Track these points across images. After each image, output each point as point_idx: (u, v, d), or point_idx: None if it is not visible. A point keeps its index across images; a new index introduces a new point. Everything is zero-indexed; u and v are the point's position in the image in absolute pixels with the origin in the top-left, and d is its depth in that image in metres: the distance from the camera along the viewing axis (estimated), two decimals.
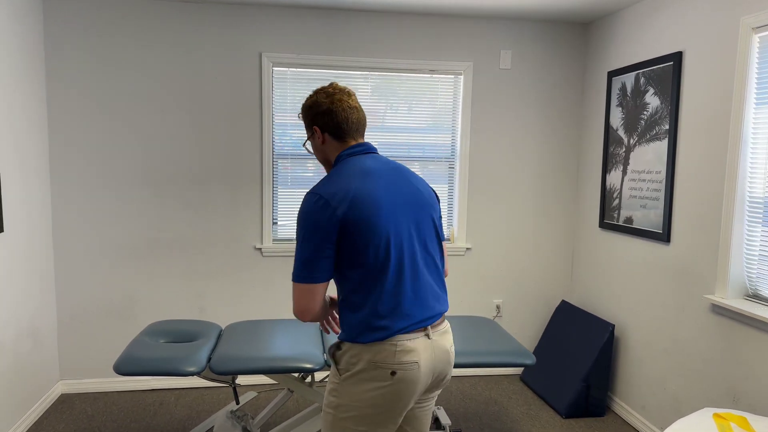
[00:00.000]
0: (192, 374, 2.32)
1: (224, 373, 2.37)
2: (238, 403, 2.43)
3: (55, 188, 3.50)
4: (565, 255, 4.07)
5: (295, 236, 1.77)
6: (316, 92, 1.80)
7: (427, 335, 1.70)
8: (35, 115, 3.30)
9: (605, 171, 3.63)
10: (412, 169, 3.87)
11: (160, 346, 2.51)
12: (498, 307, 4.01)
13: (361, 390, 1.65)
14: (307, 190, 1.75)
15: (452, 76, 3.84)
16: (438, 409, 3.20)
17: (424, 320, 1.70)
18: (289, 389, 2.86)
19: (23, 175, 3.16)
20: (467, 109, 3.83)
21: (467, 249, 3.95)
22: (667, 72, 3.03)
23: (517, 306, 4.04)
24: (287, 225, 3.81)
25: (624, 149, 3.43)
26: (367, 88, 3.77)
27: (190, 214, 3.66)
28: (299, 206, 1.68)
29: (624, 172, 3.43)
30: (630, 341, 3.38)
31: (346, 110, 1.77)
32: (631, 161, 3.36)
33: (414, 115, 3.83)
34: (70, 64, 3.44)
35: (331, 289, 3.84)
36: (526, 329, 4.09)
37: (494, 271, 4.00)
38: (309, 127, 1.81)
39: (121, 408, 3.44)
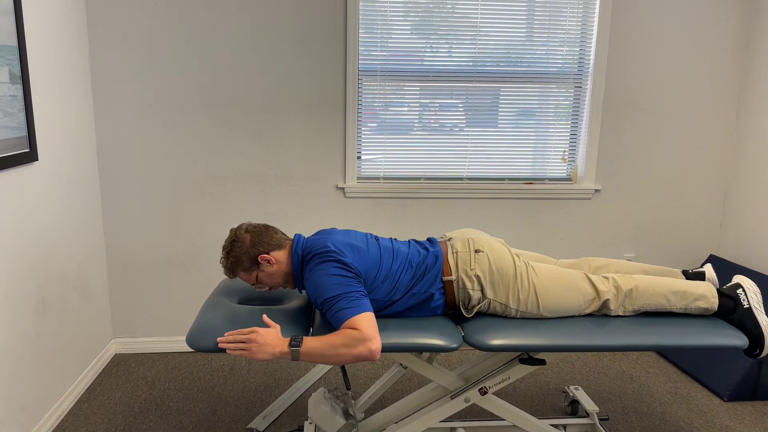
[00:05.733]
0: None
1: None
2: (349, 387, 1.83)
3: (99, 111, 2.87)
4: (714, 197, 3.28)
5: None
6: (231, 241, 1.92)
7: None
8: (73, 18, 2.64)
9: None
10: (521, 92, 3.10)
11: (242, 311, 1.90)
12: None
13: (504, 276, 1.90)
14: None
15: None
16: (577, 389, 2.56)
17: None
18: (401, 365, 2.25)
19: (61, 93, 2.53)
20: (606, 7, 2.99)
21: (595, 191, 3.20)
22: None
23: (652, 262, 3.31)
24: (374, 160, 3.12)
25: None
26: None
27: (261, 146, 3.00)
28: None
29: None
30: None
31: (259, 224, 1.97)
32: None
33: (525, 15, 3.02)
34: None
35: None
36: None
37: (626, 218, 3.26)
38: (254, 266, 1.91)
39: (184, 373, 2.91)
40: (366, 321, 1.67)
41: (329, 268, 1.78)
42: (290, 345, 1.66)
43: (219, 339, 1.68)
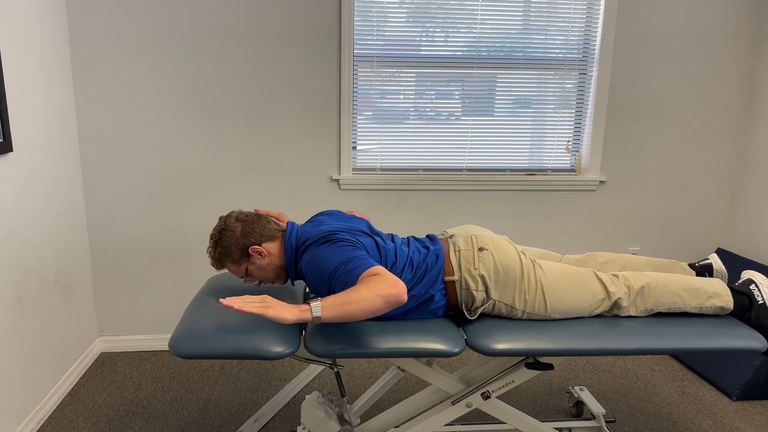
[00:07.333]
0: (282, 357, 1.59)
1: (327, 356, 1.63)
2: (343, 394, 1.72)
3: (80, 100, 2.73)
4: (722, 189, 3.17)
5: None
6: (219, 230, 1.78)
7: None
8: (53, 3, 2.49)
9: None
10: (522, 79, 2.97)
11: (232, 314, 1.78)
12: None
13: (510, 276, 1.77)
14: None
15: None
16: (582, 390, 2.46)
17: None
18: (399, 367, 2.14)
19: (38, 80, 2.39)
20: None
21: (600, 182, 3.08)
22: None
23: (658, 255, 3.20)
24: (369, 151, 2.99)
25: None
26: None
27: (252, 136, 2.86)
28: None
29: None
30: None
31: (251, 213, 1.83)
32: None
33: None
34: None
35: None
36: None
37: (632, 210, 3.14)
38: (244, 257, 1.78)
39: (172, 373, 2.80)
40: (383, 268, 1.52)
41: (331, 244, 1.67)
42: (308, 301, 1.48)
43: (223, 300, 1.45)
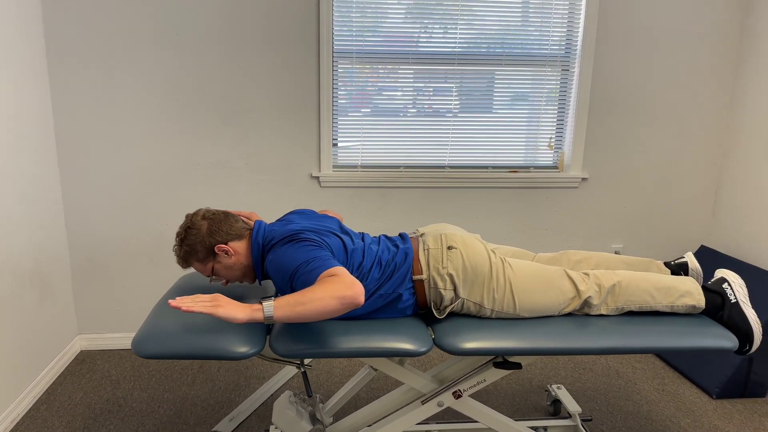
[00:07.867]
0: (245, 357, 1.57)
1: (292, 356, 1.62)
2: (310, 394, 1.70)
3: (57, 98, 2.70)
4: (706, 186, 3.16)
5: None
6: (185, 228, 1.75)
7: None
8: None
9: None
10: (505, 76, 2.95)
11: (199, 315, 1.76)
12: (617, 253, 3.16)
13: (478, 274, 1.75)
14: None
15: None
16: (559, 388, 2.45)
17: None
18: (371, 366, 2.12)
19: (12, 77, 2.36)
20: None
21: (582, 179, 3.07)
22: None
23: (641, 253, 3.19)
24: (350, 148, 2.97)
25: None
26: None
27: (231, 133, 2.84)
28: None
29: None
30: None
31: (218, 211, 1.80)
32: None
33: None
34: None
35: None
36: None
37: (615, 207, 3.13)
38: (210, 256, 1.76)
39: (151, 371, 2.79)
40: (343, 269, 1.51)
41: (294, 243, 1.65)
42: (261, 301, 1.45)
43: (171, 301, 1.41)
